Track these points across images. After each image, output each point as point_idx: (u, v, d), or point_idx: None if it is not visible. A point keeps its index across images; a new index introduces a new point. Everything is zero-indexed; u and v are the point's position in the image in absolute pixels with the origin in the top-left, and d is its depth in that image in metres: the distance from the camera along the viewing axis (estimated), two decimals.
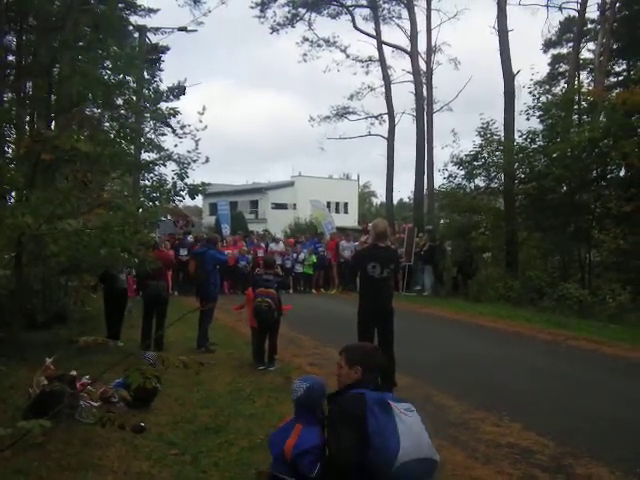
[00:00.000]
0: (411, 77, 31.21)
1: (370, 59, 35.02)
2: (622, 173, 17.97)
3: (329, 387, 4.69)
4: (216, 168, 65.33)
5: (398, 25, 34.04)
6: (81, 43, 11.39)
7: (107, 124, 13.32)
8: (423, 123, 30.12)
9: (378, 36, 32.97)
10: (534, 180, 18.21)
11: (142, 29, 20.79)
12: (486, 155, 20.12)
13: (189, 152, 12.66)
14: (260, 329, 9.71)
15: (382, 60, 32.87)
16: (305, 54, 35.60)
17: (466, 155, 20.24)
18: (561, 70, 37.95)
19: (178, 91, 11.76)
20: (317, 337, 12.18)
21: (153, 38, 24.00)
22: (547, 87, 22.09)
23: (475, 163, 20.22)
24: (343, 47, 35.35)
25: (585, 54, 34.00)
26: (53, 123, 11.77)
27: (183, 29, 22.52)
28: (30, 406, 6.09)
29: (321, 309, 17.04)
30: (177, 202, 12.20)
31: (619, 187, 17.36)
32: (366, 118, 35.52)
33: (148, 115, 13.37)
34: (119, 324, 11.11)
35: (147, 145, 12.83)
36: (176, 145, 13.22)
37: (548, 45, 37.72)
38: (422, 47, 31.92)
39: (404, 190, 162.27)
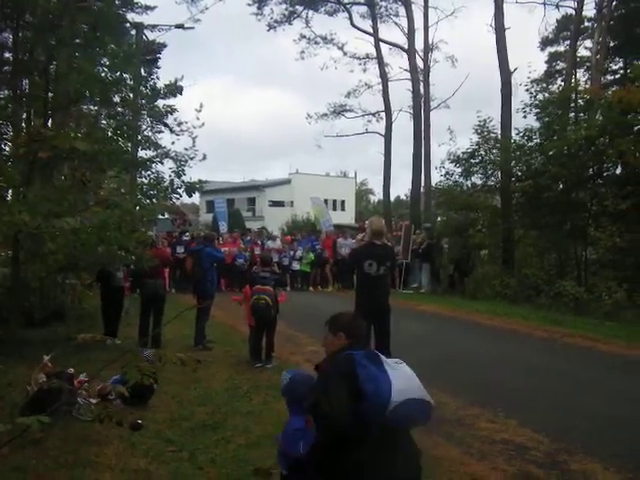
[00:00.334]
0: (408, 75, 31.29)
1: (367, 57, 35.18)
2: (618, 171, 18.00)
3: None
4: (214, 165, 65.55)
5: (395, 23, 34.21)
6: (78, 40, 11.36)
7: (104, 121, 13.32)
8: (420, 121, 30.18)
9: (375, 34, 33.05)
10: (531, 178, 18.21)
11: (139, 26, 20.78)
12: (483, 153, 20.14)
13: (186, 149, 12.66)
14: (257, 326, 9.74)
15: (379, 58, 32.93)
16: (302, 51, 35.75)
17: (463, 153, 20.26)
18: (558, 68, 38.03)
19: (175, 89, 11.73)
20: (314, 334, 12.17)
21: (150, 35, 24.09)
22: (544, 85, 22.12)
23: (472, 161, 20.22)
24: (340, 44, 35.51)
25: (582, 52, 34.11)
26: (50, 121, 11.76)
27: (180, 26, 22.55)
28: (28, 403, 6.11)
29: (318, 307, 17.04)
30: (174, 200, 12.16)
31: (615, 185, 17.36)
32: (363, 115, 35.69)
33: (145, 112, 13.36)
34: (116, 322, 11.13)
35: (144, 143, 12.80)
36: (173, 142, 13.17)
37: (545, 43, 37.80)
38: (419, 45, 32.08)
39: (401, 187, 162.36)
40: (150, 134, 13.16)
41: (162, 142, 13.21)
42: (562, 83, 28.59)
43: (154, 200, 11.22)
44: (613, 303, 14.52)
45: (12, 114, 11.20)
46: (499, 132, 20.52)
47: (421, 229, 22.91)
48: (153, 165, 12.41)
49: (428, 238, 21.15)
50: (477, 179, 20.97)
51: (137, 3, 26.62)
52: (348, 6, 34.09)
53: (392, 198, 42.64)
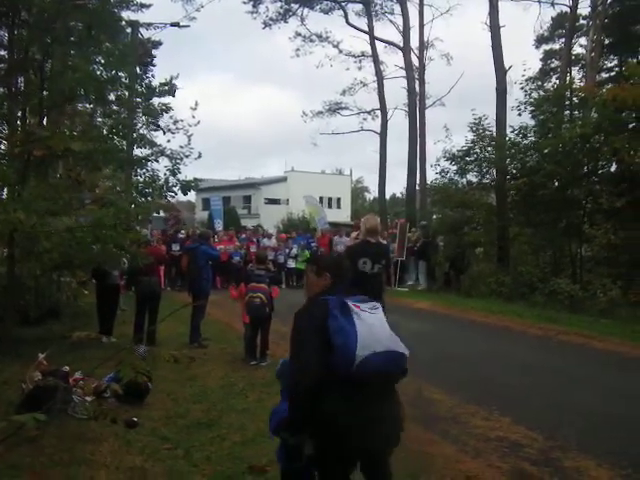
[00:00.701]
0: (404, 72, 31.28)
1: (363, 54, 35.09)
2: (613, 168, 18.04)
3: None
4: (210, 163, 65.52)
5: (391, 21, 34.11)
6: (73, 38, 11.36)
7: (100, 119, 13.33)
8: (415, 118, 30.16)
9: (371, 32, 33.00)
10: (526, 176, 18.24)
11: (134, 24, 20.74)
12: (478, 151, 20.15)
13: (182, 147, 12.67)
14: (252, 324, 9.75)
15: (375, 56, 32.95)
16: (298, 49, 35.66)
17: (458, 150, 20.26)
18: (553, 66, 38.06)
19: (169, 89, 11.71)
20: None
21: (146, 33, 24.03)
22: (539, 83, 22.21)
23: (467, 159, 20.23)
24: (336, 42, 35.43)
25: (577, 50, 34.15)
26: (45, 119, 11.75)
27: (176, 24, 22.53)
28: (23, 401, 6.13)
29: None
30: (170, 198, 12.16)
31: (610, 182, 17.40)
32: (359, 113, 35.67)
33: (140, 110, 13.35)
34: (111, 320, 11.13)
35: (140, 141, 12.81)
36: (169, 141, 13.22)
37: (540, 41, 37.84)
38: (415, 43, 32.05)
39: (397, 185, 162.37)
40: (145, 132, 13.13)
41: (158, 140, 13.22)
42: (557, 81, 28.68)
43: (149, 198, 11.24)
44: (608, 300, 14.54)
45: (7, 112, 11.20)
46: (494, 130, 20.52)
47: (417, 227, 22.93)
48: (148, 163, 12.42)
49: (424, 236, 21.17)
50: (472, 177, 21.02)
51: (132, 1, 26.50)
52: (343, 4, 34.05)
53: (388, 196, 42.76)
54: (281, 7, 34.03)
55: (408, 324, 12.92)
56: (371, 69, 33.81)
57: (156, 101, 13.23)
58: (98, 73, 11.09)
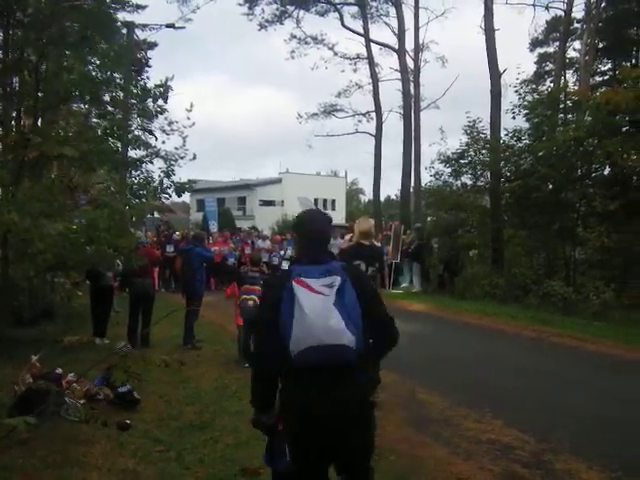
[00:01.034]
0: (399, 75, 31.35)
1: (358, 57, 35.13)
2: (606, 172, 18.11)
3: None
4: (206, 164, 65.43)
5: (386, 23, 34.17)
6: (69, 39, 11.35)
7: (95, 120, 13.29)
8: (410, 121, 30.24)
9: (366, 34, 33.08)
10: (520, 178, 18.25)
11: (130, 25, 20.75)
12: (472, 153, 20.17)
13: (176, 149, 12.66)
14: (245, 326, 9.76)
15: (370, 58, 32.98)
16: (293, 51, 35.70)
17: (453, 153, 20.27)
18: (547, 69, 38.11)
19: (164, 91, 11.69)
20: None
21: (141, 34, 24.03)
22: (533, 86, 22.17)
23: (461, 161, 20.25)
24: (331, 45, 35.47)
25: (571, 53, 34.18)
26: (40, 120, 11.75)
27: (171, 26, 22.54)
28: (15, 403, 6.12)
29: None
30: (164, 199, 12.16)
31: (603, 185, 17.48)
32: (354, 115, 35.72)
33: (135, 112, 13.33)
34: (105, 321, 11.14)
35: (134, 142, 12.79)
36: (164, 142, 13.11)
37: (535, 44, 37.87)
38: (410, 45, 32.05)
39: (392, 187, 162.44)
40: (140, 133, 13.10)
41: (152, 141, 13.18)
42: (551, 84, 28.64)
43: (143, 200, 11.24)
44: (601, 303, 14.59)
45: (2, 113, 11.19)
46: (488, 133, 20.55)
47: (412, 229, 22.95)
48: (143, 165, 12.41)
49: (418, 238, 21.19)
50: (467, 179, 21.02)
51: (128, 2, 26.44)
52: (339, 6, 34.16)
53: (382, 198, 42.70)
54: (277, 9, 34.15)
55: (402, 326, 12.92)
56: (366, 71, 33.94)
57: (151, 104, 13.21)
58: (93, 74, 11.08)
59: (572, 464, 5.65)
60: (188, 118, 13.02)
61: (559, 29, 32.88)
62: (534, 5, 31.24)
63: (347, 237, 8.92)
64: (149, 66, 27.21)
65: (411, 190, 30.60)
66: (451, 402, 7.71)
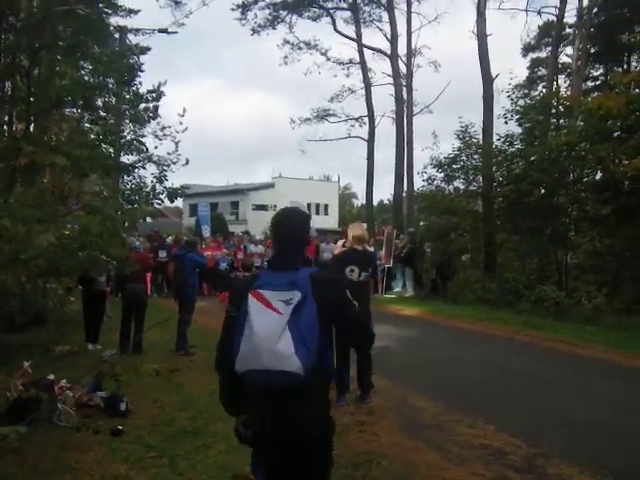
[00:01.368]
0: (391, 80, 31.38)
1: (351, 62, 35.17)
2: (598, 176, 18.18)
3: None
4: (198, 169, 65.35)
5: (379, 28, 34.25)
6: (61, 43, 11.35)
7: (87, 125, 13.27)
8: (403, 126, 30.30)
9: (359, 39, 33.18)
10: (512, 183, 18.30)
11: (123, 30, 20.74)
12: (465, 158, 20.22)
13: (169, 154, 12.64)
14: None
15: (362, 63, 33.04)
16: (286, 57, 35.73)
17: (445, 158, 20.30)
18: (540, 74, 38.28)
19: (156, 96, 11.68)
20: None
21: (134, 39, 24.00)
22: (526, 91, 22.29)
23: (454, 166, 20.30)
24: (324, 50, 35.48)
25: (563, 58, 34.36)
26: (32, 125, 11.73)
27: (164, 31, 22.50)
28: (7, 410, 6.10)
29: None
30: (156, 205, 12.14)
31: (595, 190, 17.54)
32: (346, 120, 35.73)
33: (128, 115, 13.30)
34: (98, 327, 11.12)
35: (127, 147, 12.76)
36: (156, 147, 13.05)
37: (527, 49, 38.07)
38: (402, 50, 32.12)
39: (385, 192, 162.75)
40: (132, 137, 13.07)
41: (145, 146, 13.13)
42: (543, 89, 28.77)
43: (135, 205, 11.22)
44: (593, 308, 14.62)
45: None
46: (481, 138, 20.61)
47: (404, 234, 22.97)
48: (135, 170, 12.40)
49: (411, 243, 21.20)
50: (459, 184, 21.05)
51: (121, 7, 26.51)
52: (332, 11, 34.24)
53: (375, 202, 42.84)
54: (270, 14, 34.16)
55: (395, 332, 13.00)
56: (359, 76, 34.00)
57: (143, 105, 13.19)
58: (86, 79, 11.08)
59: (564, 469, 5.66)
60: (181, 123, 12.98)
61: (551, 34, 33.04)
62: (526, 10, 31.51)
63: (340, 242, 8.91)
64: (142, 71, 27.22)
65: (404, 195, 30.66)
66: (444, 407, 7.72)
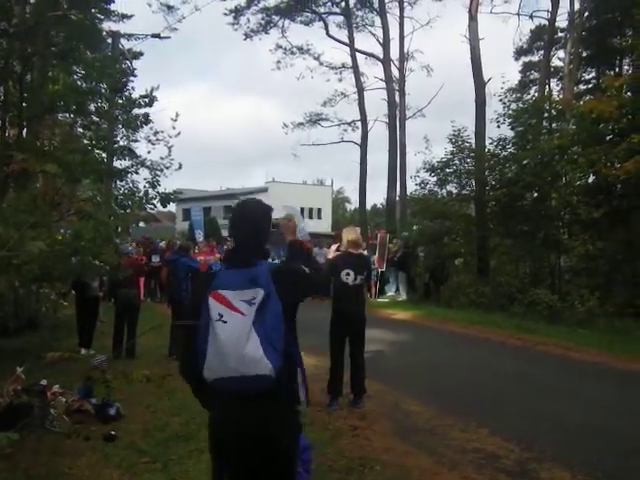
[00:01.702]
0: (384, 84, 31.46)
1: (343, 66, 35.25)
2: (591, 180, 18.23)
3: None
4: (191, 173, 65.36)
5: (371, 32, 34.40)
6: (53, 48, 11.36)
7: (80, 130, 13.26)
8: (395, 130, 30.38)
9: (351, 43, 33.27)
10: (505, 187, 18.35)
11: (115, 35, 20.71)
12: (457, 162, 20.27)
13: (162, 159, 12.63)
14: None
15: (355, 67, 33.14)
16: (279, 61, 35.79)
17: (438, 162, 20.35)
18: (532, 77, 38.37)
19: (148, 101, 11.67)
20: None
21: (127, 44, 23.97)
22: (518, 95, 22.33)
23: (447, 170, 20.34)
24: (316, 55, 35.58)
25: (555, 62, 34.45)
26: (25, 130, 11.72)
27: (156, 36, 22.45)
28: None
29: None
30: (149, 210, 12.14)
31: (587, 194, 17.60)
32: (339, 124, 35.81)
33: (121, 121, 13.29)
34: (91, 332, 11.10)
35: (120, 152, 12.75)
36: (149, 152, 13.02)
37: (519, 53, 38.13)
38: (395, 54, 32.31)
39: (378, 196, 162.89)
40: (125, 143, 13.06)
41: (138, 151, 13.12)
42: (536, 93, 28.89)
43: (128, 211, 11.22)
44: (586, 311, 14.67)
45: None
46: (473, 142, 20.67)
47: (398, 238, 23.00)
48: (128, 175, 12.38)
49: (404, 247, 21.22)
50: (452, 188, 21.10)
51: (114, 12, 26.50)
52: (324, 16, 34.33)
53: (368, 206, 42.91)
54: (262, 19, 34.19)
55: (388, 336, 13.01)
56: (351, 80, 34.15)
57: (136, 111, 13.18)
58: (78, 84, 11.07)
59: (556, 472, 5.67)
60: (174, 128, 12.98)
61: (543, 38, 33.17)
62: (518, 14, 31.60)
63: (334, 247, 8.91)
64: (134, 76, 27.21)
65: (397, 199, 30.72)
66: (436, 411, 7.71)
